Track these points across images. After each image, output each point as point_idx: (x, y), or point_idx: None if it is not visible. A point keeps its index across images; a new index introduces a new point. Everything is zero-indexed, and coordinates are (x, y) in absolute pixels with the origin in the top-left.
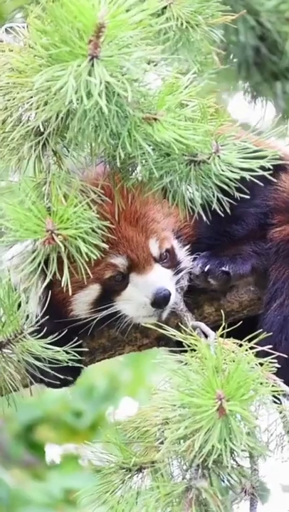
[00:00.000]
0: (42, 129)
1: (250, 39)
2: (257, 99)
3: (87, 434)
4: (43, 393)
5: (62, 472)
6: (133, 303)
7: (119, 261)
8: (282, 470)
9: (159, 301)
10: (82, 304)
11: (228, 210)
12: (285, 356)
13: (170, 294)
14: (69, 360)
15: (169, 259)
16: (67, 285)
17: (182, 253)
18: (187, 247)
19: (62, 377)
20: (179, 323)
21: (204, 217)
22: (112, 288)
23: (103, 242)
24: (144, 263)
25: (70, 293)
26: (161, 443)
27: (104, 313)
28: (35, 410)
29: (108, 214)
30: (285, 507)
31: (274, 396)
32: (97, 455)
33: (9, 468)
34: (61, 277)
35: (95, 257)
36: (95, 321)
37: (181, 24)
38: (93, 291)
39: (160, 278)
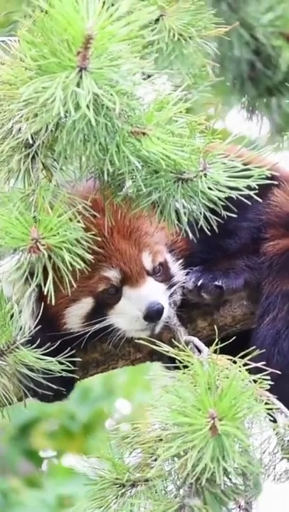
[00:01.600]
0: (31, 142)
1: (245, 53)
2: (253, 115)
3: (82, 437)
4: None
5: (57, 479)
6: (126, 316)
7: (112, 274)
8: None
9: (152, 314)
10: (74, 317)
11: (217, 225)
12: (278, 372)
13: (163, 308)
14: (62, 370)
15: (162, 273)
16: (51, 295)
17: (175, 267)
18: (180, 261)
19: (55, 387)
20: (172, 338)
21: (191, 235)
22: (105, 301)
23: (96, 254)
24: (137, 276)
25: (62, 306)
26: (155, 460)
27: (97, 326)
28: (30, 413)
29: (101, 227)
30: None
31: (268, 413)
32: (92, 470)
33: (5, 477)
34: (53, 289)
35: (80, 267)
36: (87, 335)
37: (174, 36)
38: (86, 304)
39: (153, 292)
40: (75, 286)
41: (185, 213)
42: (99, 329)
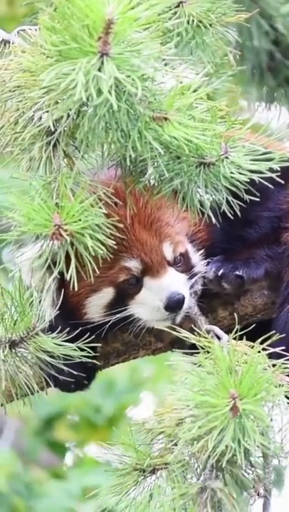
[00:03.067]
0: (52, 129)
1: (264, 43)
2: (271, 105)
3: (106, 430)
4: None
5: (81, 470)
6: (147, 306)
7: (133, 264)
8: None
9: (173, 305)
10: (95, 307)
11: (239, 213)
12: None
13: (184, 298)
14: (82, 356)
15: (183, 263)
16: (74, 283)
17: (196, 257)
18: (201, 251)
19: (76, 373)
20: (193, 327)
21: (214, 220)
22: (126, 291)
23: (117, 245)
24: (157, 267)
25: (83, 296)
26: (175, 444)
27: (118, 316)
28: (54, 406)
29: (122, 217)
30: None
31: (288, 397)
32: (113, 456)
33: (28, 468)
34: (75, 277)
35: (101, 255)
36: (108, 324)
37: (193, 22)
38: (107, 294)
39: (174, 282)
40: (97, 274)
41: (208, 199)
42: (120, 319)
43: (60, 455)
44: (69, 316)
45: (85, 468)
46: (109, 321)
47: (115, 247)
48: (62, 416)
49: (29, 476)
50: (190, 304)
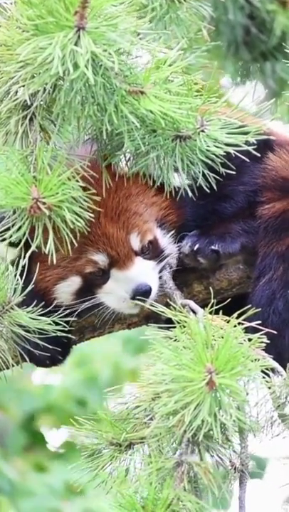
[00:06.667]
0: (29, 103)
1: (240, 18)
2: (246, 80)
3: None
4: (46, 384)
5: (64, 463)
6: (114, 296)
7: (100, 258)
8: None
9: (139, 296)
10: (64, 293)
11: (215, 187)
12: (274, 332)
13: (150, 289)
14: (57, 330)
15: (151, 251)
16: (52, 256)
17: (166, 241)
18: (172, 232)
19: (51, 347)
20: (168, 301)
21: (190, 194)
22: (93, 282)
23: (83, 238)
24: (124, 259)
25: (51, 282)
26: (151, 419)
27: (87, 304)
28: (38, 400)
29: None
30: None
31: (263, 372)
32: (88, 433)
33: (10, 459)
34: (39, 267)
35: (80, 226)
36: (79, 310)
37: None
38: (74, 283)
39: (141, 273)
40: (64, 263)
41: (183, 170)
42: (90, 305)
43: (42, 445)
44: (39, 301)
45: (68, 460)
46: (80, 307)
47: (81, 240)
48: (47, 410)
49: (12, 471)
50: (165, 278)
